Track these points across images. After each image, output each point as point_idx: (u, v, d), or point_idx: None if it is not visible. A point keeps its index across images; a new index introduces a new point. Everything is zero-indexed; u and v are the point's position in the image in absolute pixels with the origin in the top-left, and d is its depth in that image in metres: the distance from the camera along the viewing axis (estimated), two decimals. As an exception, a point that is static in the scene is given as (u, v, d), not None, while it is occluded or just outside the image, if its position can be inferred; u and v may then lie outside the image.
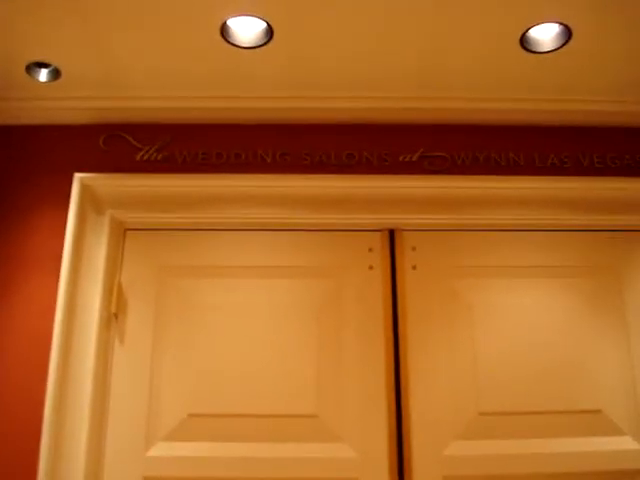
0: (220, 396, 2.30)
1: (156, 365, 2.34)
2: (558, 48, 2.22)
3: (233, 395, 2.30)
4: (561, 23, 2.11)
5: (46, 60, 2.31)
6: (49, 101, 2.50)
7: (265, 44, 2.20)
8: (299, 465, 2.25)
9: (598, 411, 2.34)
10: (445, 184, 2.47)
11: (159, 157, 2.48)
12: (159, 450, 2.26)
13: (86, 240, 2.38)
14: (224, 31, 2.14)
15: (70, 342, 2.26)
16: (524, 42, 2.20)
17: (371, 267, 2.46)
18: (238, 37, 2.18)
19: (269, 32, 2.14)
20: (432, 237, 2.51)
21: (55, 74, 2.37)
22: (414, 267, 2.46)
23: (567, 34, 2.16)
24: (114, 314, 2.37)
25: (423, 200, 2.47)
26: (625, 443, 2.32)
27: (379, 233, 2.51)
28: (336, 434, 2.29)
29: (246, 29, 2.16)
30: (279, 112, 2.52)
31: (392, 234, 2.51)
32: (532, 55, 2.27)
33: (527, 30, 2.15)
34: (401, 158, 2.51)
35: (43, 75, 2.37)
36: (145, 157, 2.48)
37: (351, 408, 2.31)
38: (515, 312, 2.43)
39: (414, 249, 2.49)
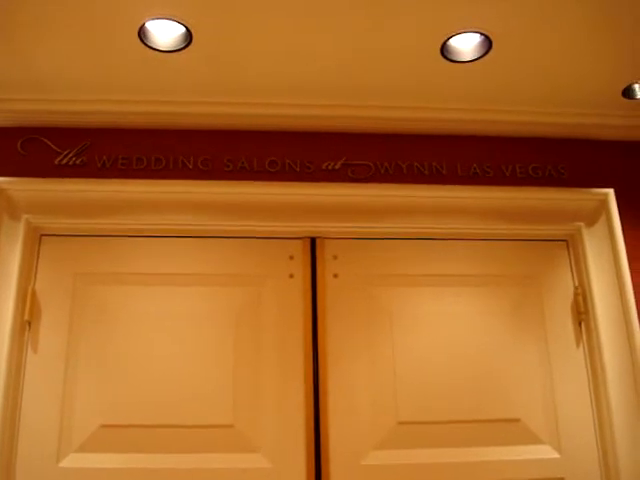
0: (134, 406, 2.26)
1: (70, 374, 2.28)
2: (479, 58, 2.24)
3: (148, 405, 2.26)
4: (481, 33, 2.12)
5: (-39, 61, 2.24)
6: (-36, 103, 2.43)
7: (184, 48, 2.17)
8: (215, 476, 2.21)
9: (517, 420, 2.36)
10: (368, 192, 2.47)
11: (78, 161, 2.43)
12: (71, 461, 2.21)
13: (0, 245, 2.30)
14: (142, 34, 2.10)
15: (-19, 350, 2.19)
16: (445, 51, 2.21)
17: (292, 275, 2.44)
18: (157, 40, 2.15)
19: (188, 36, 2.11)
20: (354, 245, 2.50)
21: (-30, 76, 2.31)
22: (335, 275, 2.45)
23: (487, 44, 2.17)
24: (27, 322, 2.31)
25: (345, 208, 2.46)
26: (544, 452, 2.34)
27: (300, 241, 2.49)
28: (253, 444, 2.26)
29: (165, 33, 2.13)
30: (200, 117, 2.48)
31: (313, 242, 2.50)
32: (453, 64, 2.27)
33: (447, 39, 2.15)
34: (324, 166, 2.49)
35: (-42, 76, 2.31)
36: (64, 161, 2.42)
37: (268, 418, 2.29)
38: (436, 321, 2.43)
39: (335, 257, 2.47)
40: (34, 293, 2.34)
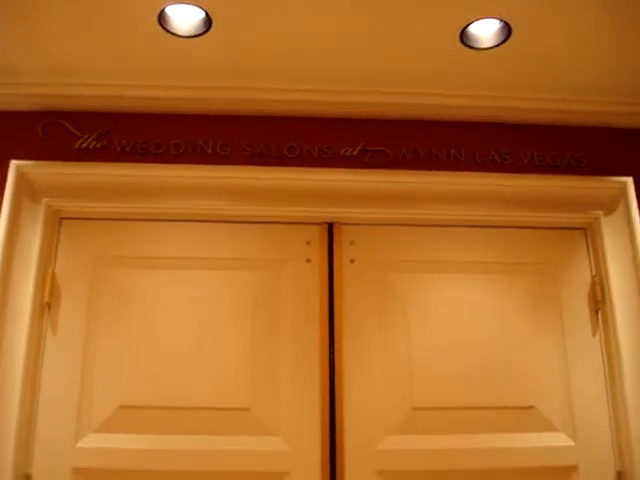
0: (153, 388, 2.28)
1: (89, 356, 2.31)
2: (498, 45, 2.23)
3: (166, 387, 2.28)
4: (501, 19, 2.11)
5: (-17, 46, 2.26)
6: (-14, 87, 2.45)
7: (204, 33, 2.17)
8: (231, 458, 2.23)
9: (531, 407, 2.36)
10: (385, 179, 2.46)
11: (98, 145, 2.45)
12: (89, 442, 2.23)
13: (20, 228, 2.33)
14: (162, 19, 2.11)
15: (1, 332, 2.22)
16: (464, 38, 2.20)
17: (308, 260, 2.45)
18: (177, 26, 2.15)
19: (208, 21, 2.12)
20: (371, 231, 2.51)
21: (-8, 60, 2.33)
22: (352, 261, 2.46)
23: (507, 31, 2.16)
24: (47, 304, 2.34)
25: (363, 194, 2.46)
26: (558, 439, 2.35)
27: (317, 226, 2.50)
28: (269, 427, 2.28)
29: (184, 18, 2.14)
30: (219, 102, 2.49)
31: (331, 227, 2.50)
32: (472, 51, 2.27)
33: (467, 26, 2.15)
34: (342, 152, 2.50)
35: (-20, 61, 2.33)
36: (84, 145, 2.44)
37: (284, 401, 2.31)
38: (452, 308, 2.43)
39: (352, 243, 2.48)
40: (54, 276, 2.37)
